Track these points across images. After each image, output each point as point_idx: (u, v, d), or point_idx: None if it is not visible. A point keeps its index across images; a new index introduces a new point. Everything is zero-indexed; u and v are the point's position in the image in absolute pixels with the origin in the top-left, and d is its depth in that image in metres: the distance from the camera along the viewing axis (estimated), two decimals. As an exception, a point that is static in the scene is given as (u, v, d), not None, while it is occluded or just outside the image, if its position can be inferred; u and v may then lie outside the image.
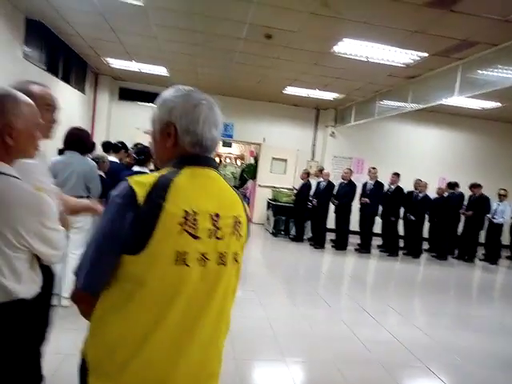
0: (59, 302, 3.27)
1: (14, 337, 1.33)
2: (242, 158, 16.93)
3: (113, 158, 4.72)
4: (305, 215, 8.16)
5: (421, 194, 7.95)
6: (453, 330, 4.21)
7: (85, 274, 1.01)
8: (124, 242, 0.96)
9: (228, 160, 18.80)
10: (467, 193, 8.19)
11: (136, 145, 5.20)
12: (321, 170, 8.31)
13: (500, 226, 8.12)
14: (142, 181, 0.99)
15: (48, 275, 1.43)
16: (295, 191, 8.64)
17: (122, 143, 5.20)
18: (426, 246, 8.39)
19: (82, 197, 3.15)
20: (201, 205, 1.02)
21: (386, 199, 7.76)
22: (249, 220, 1.17)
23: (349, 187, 7.68)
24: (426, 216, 8.12)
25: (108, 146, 5.02)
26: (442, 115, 9.48)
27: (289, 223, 8.58)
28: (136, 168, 3.79)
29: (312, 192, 8.17)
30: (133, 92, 9.01)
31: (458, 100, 6.47)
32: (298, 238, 8.18)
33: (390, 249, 7.83)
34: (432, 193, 8.24)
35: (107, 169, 4.24)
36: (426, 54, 5.26)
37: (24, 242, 1.28)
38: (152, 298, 0.99)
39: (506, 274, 7.75)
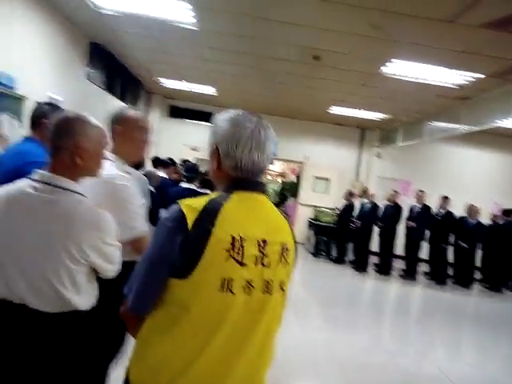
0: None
1: (72, 345, 1.39)
2: (283, 175, 16.97)
3: (161, 174, 4.91)
4: (347, 236, 7.98)
5: (473, 221, 7.52)
6: (507, 370, 3.89)
7: (134, 295, 1.04)
8: (172, 265, 0.97)
9: (269, 177, 18.92)
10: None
11: (185, 161, 5.39)
12: (365, 191, 8.13)
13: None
14: (193, 205, 0.99)
15: (108, 289, 1.49)
16: (338, 211, 8.49)
17: (171, 159, 5.41)
18: (477, 275, 7.89)
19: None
20: (248, 231, 1.00)
21: (434, 224, 7.42)
22: (296, 246, 1.14)
23: (394, 210, 7.44)
24: (478, 244, 7.65)
25: (157, 162, 5.24)
26: (495, 137, 9.00)
27: (330, 244, 8.42)
28: (184, 184, 3.92)
29: (355, 213, 8.00)
30: (182, 110, 9.39)
31: (516, 122, 6.12)
32: (340, 260, 8.00)
33: (437, 276, 7.43)
34: (485, 219, 7.78)
35: (156, 184, 4.41)
36: (480, 76, 5.07)
37: (85, 256, 1.34)
38: (197, 324, 0.98)
39: None
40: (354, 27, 4.16)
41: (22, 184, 1.38)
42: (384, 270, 7.48)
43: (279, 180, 16.94)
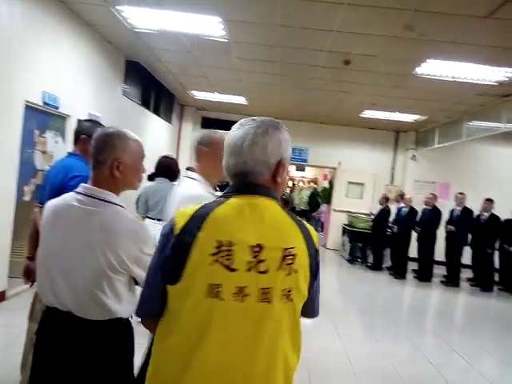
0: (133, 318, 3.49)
1: (114, 352, 1.44)
2: (315, 181, 16.83)
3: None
4: (383, 242, 7.77)
5: (520, 223, 7.11)
6: None
7: (139, 301, 1.08)
8: (166, 271, 0.98)
9: (301, 184, 18.83)
10: None
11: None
12: (402, 195, 7.90)
13: None
14: (185, 211, 1.01)
15: None
16: (373, 217, 8.30)
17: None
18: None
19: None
20: (238, 235, 0.96)
21: (477, 228, 7.08)
22: (315, 252, 1.05)
23: (433, 213, 7.17)
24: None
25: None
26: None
27: (366, 250, 8.23)
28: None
29: (391, 218, 7.78)
30: (214, 121, 9.56)
31: None
32: (376, 267, 7.79)
33: (482, 283, 7.07)
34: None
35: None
36: (523, 71, 4.83)
37: (124, 265, 1.38)
38: (186, 331, 0.96)
39: None
40: (385, 29, 4.10)
41: (68, 197, 1.45)
42: (424, 276, 7.20)
43: (310, 186, 16.83)
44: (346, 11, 3.73)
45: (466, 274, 7.45)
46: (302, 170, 18.39)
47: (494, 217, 7.05)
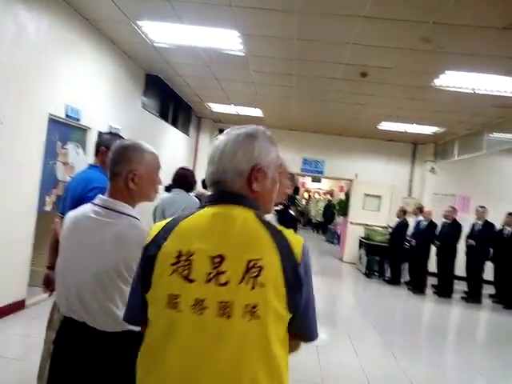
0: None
1: (126, 364, 1.43)
2: (331, 193, 16.73)
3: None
4: (401, 256, 7.61)
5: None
6: None
7: (125, 307, 1.10)
8: (141, 281, 0.99)
9: (317, 195, 18.73)
10: None
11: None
12: (420, 208, 7.76)
13: None
14: (160, 223, 1.02)
15: None
16: (390, 230, 8.16)
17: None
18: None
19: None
20: (199, 245, 0.93)
21: (499, 242, 6.87)
22: (294, 265, 0.92)
23: (453, 227, 7.00)
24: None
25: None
26: None
27: (383, 264, 8.07)
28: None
29: (410, 231, 7.64)
30: (230, 133, 9.63)
31: None
32: (394, 281, 7.62)
33: (505, 299, 6.82)
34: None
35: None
36: (545, 82, 4.73)
37: None
38: (153, 342, 0.95)
39: None
40: (402, 42, 4.09)
41: (86, 208, 1.48)
42: (444, 291, 7.01)
43: (326, 198, 16.71)
44: (362, 24, 3.75)
45: (488, 290, 7.21)
46: (318, 181, 18.34)
47: (517, 231, 6.84)
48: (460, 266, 7.11)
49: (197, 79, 6.45)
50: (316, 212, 16.73)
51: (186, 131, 8.70)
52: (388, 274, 7.91)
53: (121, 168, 1.44)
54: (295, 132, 9.70)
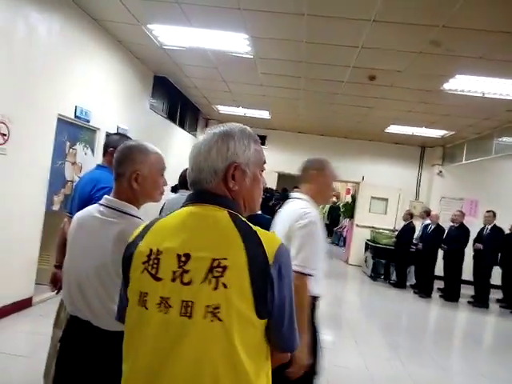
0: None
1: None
2: (337, 196, 16.66)
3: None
4: (407, 259, 7.57)
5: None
6: None
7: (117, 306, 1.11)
8: (123, 280, 1.01)
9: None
10: None
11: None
12: (428, 212, 7.71)
13: None
14: (144, 223, 1.04)
15: None
16: (396, 233, 8.12)
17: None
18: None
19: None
20: (168, 243, 0.92)
21: (508, 247, 6.80)
22: (265, 267, 0.88)
23: (460, 231, 6.95)
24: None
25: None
26: None
27: (389, 267, 8.03)
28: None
29: (416, 235, 7.59)
30: (237, 134, 9.64)
31: None
32: (400, 284, 7.57)
33: (513, 305, 6.75)
34: None
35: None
36: (556, 86, 4.68)
37: None
38: (125, 337, 0.96)
39: None
40: (412, 45, 4.07)
41: (92, 208, 1.50)
42: (451, 295, 6.95)
43: (334, 200, 16.64)
44: (372, 27, 3.74)
45: (496, 294, 7.14)
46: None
47: (525, 236, 6.76)
48: (468, 271, 7.05)
49: (205, 81, 6.48)
50: (322, 214, 16.68)
51: (193, 132, 8.73)
52: (394, 277, 7.86)
53: (124, 168, 1.46)
54: (302, 134, 9.69)
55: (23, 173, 3.67)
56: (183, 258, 0.89)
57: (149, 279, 0.91)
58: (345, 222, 12.41)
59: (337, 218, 14.32)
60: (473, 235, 7.05)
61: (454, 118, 6.60)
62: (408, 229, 7.62)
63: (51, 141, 3.99)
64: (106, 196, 1.49)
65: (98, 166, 2.37)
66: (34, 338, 3.45)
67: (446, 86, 5.09)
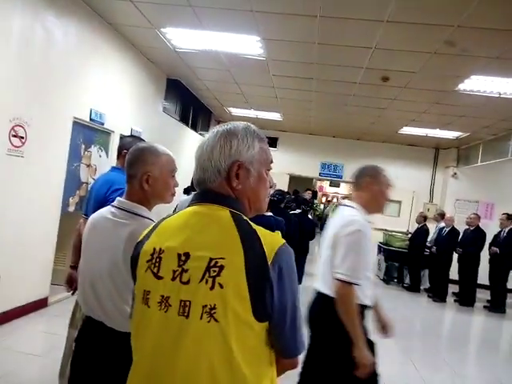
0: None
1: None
2: (349, 198, 16.51)
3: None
4: (421, 263, 7.45)
5: None
6: None
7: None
8: (133, 278, 1.01)
9: (335, 200, 18.55)
10: None
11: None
12: (442, 214, 7.59)
13: None
14: (153, 223, 1.05)
15: None
16: (410, 235, 8.01)
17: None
18: None
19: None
20: (170, 242, 0.93)
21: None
22: (263, 268, 0.85)
23: (476, 234, 6.82)
24: None
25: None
26: None
27: (402, 270, 7.92)
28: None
29: (430, 238, 7.47)
30: (249, 136, 9.66)
31: None
32: (414, 288, 7.46)
33: (531, 311, 6.60)
34: None
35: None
36: None
37: None
38: (132, 334, 0.97)
39: None
40: (426, 46, 4.02)
41: (105, 210, 1.51)
42: (466, 300, 6.82)
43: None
44: (385, 28, 3.71)
45: (513, 300, 7.00)
46: (337, 185, 18.16)
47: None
48: (483, 274, 6.91)
49: (217, 83, 6.51)
50: (331, 215, 16.48)
51: (205, 135, 8.78)
52: (407, 280, 7.75)
53: (136, 170, 1.47)
54: (314, 136, 9.65)
55: (40, 175, 3.74)
56: (183, 257, 0.89)
57: (151, 278, 0.92)
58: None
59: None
60: (489, 238, 6.92)
61: (469, 119, 6.50)
62: (422, 231, 7.51)
63: (67, 143, 4.05)
64: (118, 198, 1.50)
65: (113, 168, 2.40)
66: (49, 338, 3.50)
67: (461, 87, 5.01)
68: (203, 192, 0.98)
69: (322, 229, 17.05)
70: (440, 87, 5.20)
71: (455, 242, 6.99)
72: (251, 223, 0.93)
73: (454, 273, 7.09)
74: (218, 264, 0.86)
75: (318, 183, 18.14)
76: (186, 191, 4.90)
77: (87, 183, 4.44)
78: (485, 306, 6.77)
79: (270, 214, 3.11)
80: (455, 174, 8.95)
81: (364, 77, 5.14)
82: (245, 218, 0.94)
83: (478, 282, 6.90)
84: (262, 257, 0.86)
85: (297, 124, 8.89)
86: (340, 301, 1.79)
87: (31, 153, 3.55)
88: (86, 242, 1.52)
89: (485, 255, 6.87)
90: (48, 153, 3.79)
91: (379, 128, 8.03)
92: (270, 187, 1.06)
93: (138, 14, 4.07)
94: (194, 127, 7.92)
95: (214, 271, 0.85)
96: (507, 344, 5.54)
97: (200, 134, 8.35)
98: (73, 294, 2.29)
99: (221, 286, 0.84)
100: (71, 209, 4.29)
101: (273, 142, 9.44)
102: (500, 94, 5.08)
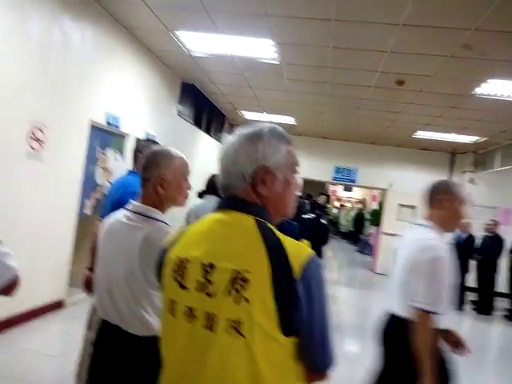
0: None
1: (156, 369, 1.46)
2: (363, 202, 16.36)
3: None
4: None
5: None
6: None
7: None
8: (160, 284, 1.00)
9: (349, 204, 18.39)
10: None
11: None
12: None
13: None
14: (178, 229, 1.03)
15: None
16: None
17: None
18: None
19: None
20: (195, 252, 0.90)
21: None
22: (290, 281, 0.82)
23: (494, 241, 6.68)
24: None
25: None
26: None
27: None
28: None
29: (447, 244, 7.33)
30: (262, 140, 9.68)
31: None
32: (430, 295, 7.31)
33: (552, 320, 6.40)
34: None
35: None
36: None
37: None
38: (162, 347, 0.96)
39: None
40: (442, 49, 3.97)
41: (119, 213, 1.52)
42: (484, 308, 6.66)
43: (357, 207, 16.34)
44: (400, 32, 3.68)
45: (533, 309, 6.79)
46: (349, 190, 18.02)
47: None
48: (502, 282, 6.74)
49: (231, 87, 6.54)
50: (346, 221, 16.36)
51: (218, 138, 8.82)
52: (423, 287, 7.61)
53: (150, 173, 1.48)
54: (327, 140, 9.61)
55: (58, 177, 3.80)
56: (208, 268, 0.87)
57: (177, 287, 0.90)
58: (371, 229, 12.17)
59: (362, 226, 14.08)
60: (508, 245, 6.75)
61: (486, 123, 6.38)
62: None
63: (84, 147, 4.12)
64: (132, 201, 1.51)
65: (130, 172, 2.42)
66: (65, 339, 3.54)
67: (478, 91, 4.93)
68: (228, 198, 0.94)
69: (335, 233, 16.95)
70: (456, 91, 5.12)
71: (472, 248, 6.85)
72: (276, 232, 0.90)
73: (471, 280, 6.94)
74: (244, 277, 0.82)
75: (331, 187, 18.03)
76: (200, 195, 4.92)
77: (103, 186, 4.50)
78: (504, 315, 6.60)
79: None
80: (472, 179, 8.78)
81: (378, 80, 5.10)
82: (270, 226, 0.91)
83: (498, 290, 6.73)
84: (288, 270, 0.82)
85: (310, 128, 8.87)
86: (417, 329, 1.74)
87: (50, 156, 3.62)
88: (101, 247, 1.53)
89: (504, 262, 6.71)
90: (66, 156, 3.86)
91: (394, 132, 7.95)
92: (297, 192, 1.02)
93: (153, 18, 4.13)
94: (208, 131, 7.97)
95: (239, 284, 0.82)
96: (527, 354, 5.38)
97: (217, 139, 8.38)
98: (89, 295, 2.31)
99: (246, 300, 0.81)
100: (88, 211, 4.35)
101: (286, 146, 9.42)
102: (519, 98, 4.98)
